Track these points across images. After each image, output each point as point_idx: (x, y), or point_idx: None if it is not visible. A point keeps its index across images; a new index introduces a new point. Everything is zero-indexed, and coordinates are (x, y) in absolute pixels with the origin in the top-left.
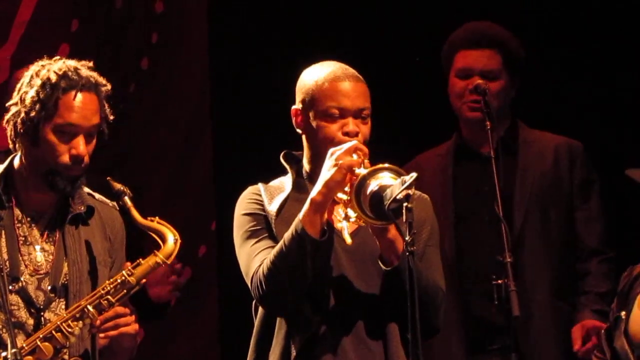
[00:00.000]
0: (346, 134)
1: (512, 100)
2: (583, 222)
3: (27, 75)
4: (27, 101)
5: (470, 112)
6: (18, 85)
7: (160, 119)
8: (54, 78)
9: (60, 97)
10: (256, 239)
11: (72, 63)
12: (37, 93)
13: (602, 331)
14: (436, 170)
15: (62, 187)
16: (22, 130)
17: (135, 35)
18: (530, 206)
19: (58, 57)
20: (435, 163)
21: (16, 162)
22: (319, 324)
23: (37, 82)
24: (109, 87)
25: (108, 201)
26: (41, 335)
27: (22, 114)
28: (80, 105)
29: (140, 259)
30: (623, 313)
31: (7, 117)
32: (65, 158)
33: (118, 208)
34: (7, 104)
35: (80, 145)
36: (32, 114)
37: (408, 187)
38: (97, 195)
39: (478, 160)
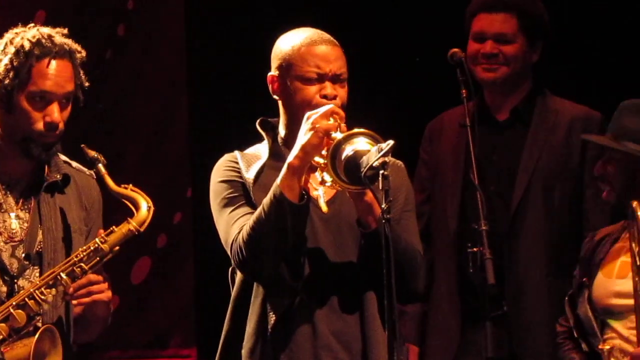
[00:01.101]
0: (324, 97)
1: (536, 65)
2: (592, 200)
3: (1, 43)
4: (1, 69)
5: (483, 73)
6: None
7: (137, 85)
8: (27, 45)
9: (34, 65)
10: (234, 206)
11: (46, 30)
12: (11, 61)
13: (566, 298)
14: (455, 132)
15: (36, 154)
16: None
17: (111, 2)
18: (533, 181)
19: (32, 25)
20: (455, 123)
21: None
22: (295, 293)
23: (11, 49)
24: (83, 53)
25: (85, 169)
26: (14, 303)
27: None
28: (53, 73)
29: (114, 227)
30: (585, 279)
31: None
32: (40, 125)
33: (95, 176)
34: None
35: (55, 112)
36: (6, 81)
37: (384, 155)
38: (74, 164)
39: (492, 127)
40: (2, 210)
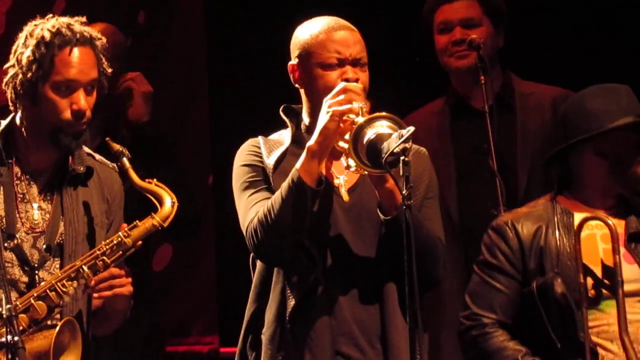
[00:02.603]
0: (346, 80)
1: (501, 51)
2: None
3: (21, 37)
4: (24, 61)
5: (458, 60)
6: (14, 47)
7: (157, 73)
8: (47, 36)
9: (56, 54)
10: (254, 190)
11: (65, 20)
12: (33, 52)
13: (533, 289)
14: (432, 129)
15: (67, 143)
16: (21, 91)
17: None
18: (534, 164)
19: (50, 15)
20: (430, 121)
21: (17, 121)
22: (315, 281)
23: (32, 41)
24: (104, 40)
25: (108, 162)
26: (35, 294)
27: (20, 75)
28: (76, 60)
29: (137, 221)
30: (556, 270)
31: (5, 79)
32: (67, 114)
33: (117, 170)
34: (4, 67)
35: (81, 100)
36: (30, 74)
37: (405, 141)
38: (97, 156)
39: (473, 116)
40: (25, 201)
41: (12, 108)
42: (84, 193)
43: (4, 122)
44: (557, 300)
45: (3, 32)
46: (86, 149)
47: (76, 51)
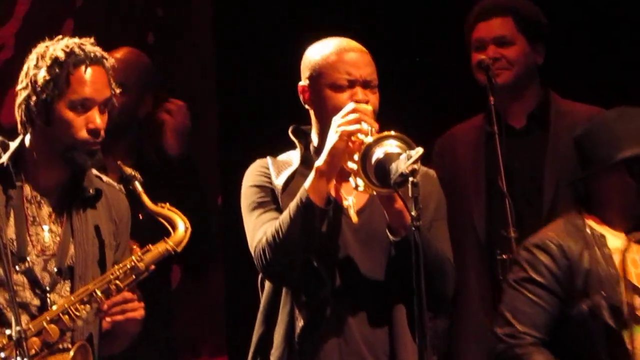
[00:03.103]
0: (356, 102)
1: (541, 69)
2: None
3: (31, 59)
4: (39, 82)
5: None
6: (25, 69)
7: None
8: (62, 55)
9: (72, 73)
10: (262, 210)
11: (75, 40)
12: (48, 72)
13: (584, 310)
14: (470, 143)
15: (82, 161)
16: (35, 112)
17: (140, 9)
18: (561, 185)
19: (60, 37)
20: (469, 136)
21: (27, 143)
22: (324, 302)
23: (46, 62)
24: (112, 60)
25: (115, 184)
26: (48, 317)
27: (34, 96)
28: (91, 79)
29: (150, 245)
30: (603, 292)
31: (18, 101)
32: (83, 133)
33: (124, 191)
34: (16, 89)
35: (97, 119)
36: (44, 94)
37: (414, 162)
38: (104, 178)
39: (509, 134)
40: (35, 224)
41: (21, 130)
42: (93, 215)
43: (13, 145)
44: (605, 322)
45: (12, 54)
46: (94, 171)
47: (90, 70)
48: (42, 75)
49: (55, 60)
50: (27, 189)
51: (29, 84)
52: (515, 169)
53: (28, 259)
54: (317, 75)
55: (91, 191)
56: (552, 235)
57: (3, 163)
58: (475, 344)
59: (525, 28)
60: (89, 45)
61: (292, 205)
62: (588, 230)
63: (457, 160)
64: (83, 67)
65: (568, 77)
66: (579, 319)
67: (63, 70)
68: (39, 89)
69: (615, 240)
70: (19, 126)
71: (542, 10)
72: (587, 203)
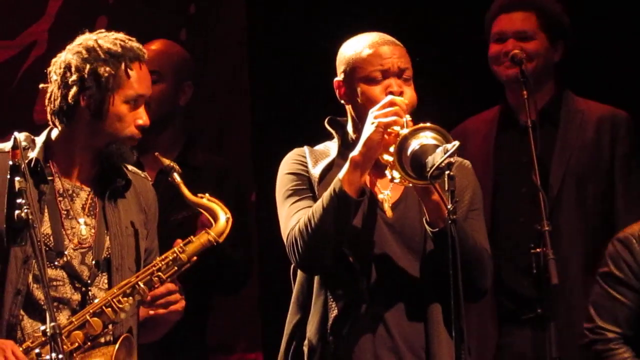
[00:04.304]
0: (390, 93)
1: (558, 67)
2: (624, 197)
3: (72, 50)
4: (99, 75)
5: (507, 70)
6: (65, 61)
7: (198, 89)
8: (120, 50)
9: (131, 68)
10: (297, 198)
11: (119, 35)
12: (109, 65)
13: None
14: (480, 137)
15: (128, 156)
16: (86, 105)
17: (173, 6)
18: (567, 179)
19: (101, 31)
20: (481, 129)
21: (53, 136)
22: (358, 295)
23: (98, 55)
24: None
25: (140, 172)
26: (91, 311)
27: (88, 89)
28: (145, 76)
29: (192, 237)
30: None
31: (59, 94)
32: (133, 128)
33: (150, 179)
34: (56, 82)
35: (144, 115)
36: (103, 87)
37: (450, 155)
38: (129, 167)
39: (518, 129)
40: (70, 217)
41: (55, 123)
42: (123, 205)
43: (40, 139)
44: None
45: (46, 49)
46: None
47: (143, 66)
48: (102, 68)
49: (114, 55)
50: (59, 183)
51: (82, 76)
52: (522, 164)
53: (66, 253)
54: (351, 70)
55: (122, 182)
56: (635, 230)
57: (34, 158)
58: (477, 339)
59: (547, 25)
60: (133, 41)
61: (326, 195)
62: None
63: (467, 153)
64: (138, 63)
65: (588, 75)
66: None
67: (122, 65)
68: (98, 82)
69: None
70: (52, 118)
71: (566, 8)
72: None
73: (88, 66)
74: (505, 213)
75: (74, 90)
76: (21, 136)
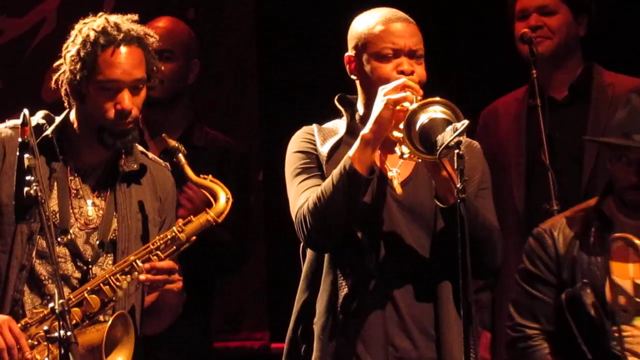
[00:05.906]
0: (401, 72)
1: (585, 41)
2: None
3: (72, 35)
4: (69, 60)
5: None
6: (65, 45)
7: (206, 70)
8: (92, 35)
9: (99, 54)
10: (306, 176)
11: (113, 18)
12: (78, 52)
13: (562, 300)
14: (512, 116)
15: (110, 143)
16: (69, 89)
17: None
18: (600, 157)
19: (101, 14)
20: (511, 108)
21: (71, 117)
22: (367, 272)
23: (79, 40)
24: (156, 38)
25: (161, 161)
26: (89, 288)
27: (68, 73)
28: (120, 60)
29: (191, 217)
30: (586, 280)
31: (55, 76)
32: (111, 114)
33: (170, 168)
34: (54, 64)
35: (125, 100)
36: (75, 72)
37: (459, 134)
38: (150, 155)
39: (550, 106)
40: (79, 197)
41: (66, 104)
42: (137, 191)
43: (58, 119)
44: (587, 310)
45: (54, 27)
46: (140, 147)
47: (122, 50)
48: (72, 53)
49: (87, 39)
50: (72, 163)
51: (64, 60)
52: (556, 140)
53: (70, 231)
54: (363, 46)
55: (135, 167)
56: (548, 225)
57: (47, 135)
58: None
59: None
60: (127, 23)
61: (336, 172)
62: (597, 214)
63: (499, 132)
64: (112, 48)
65: (616, 50)
66: (560, 309)
67: (92, 51)
68: (70, 66)
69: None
70: (64, 100)
71: None
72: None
73: (66, 51)
74: (539, 192)
75: (60, 72)
76: (40, 114)
